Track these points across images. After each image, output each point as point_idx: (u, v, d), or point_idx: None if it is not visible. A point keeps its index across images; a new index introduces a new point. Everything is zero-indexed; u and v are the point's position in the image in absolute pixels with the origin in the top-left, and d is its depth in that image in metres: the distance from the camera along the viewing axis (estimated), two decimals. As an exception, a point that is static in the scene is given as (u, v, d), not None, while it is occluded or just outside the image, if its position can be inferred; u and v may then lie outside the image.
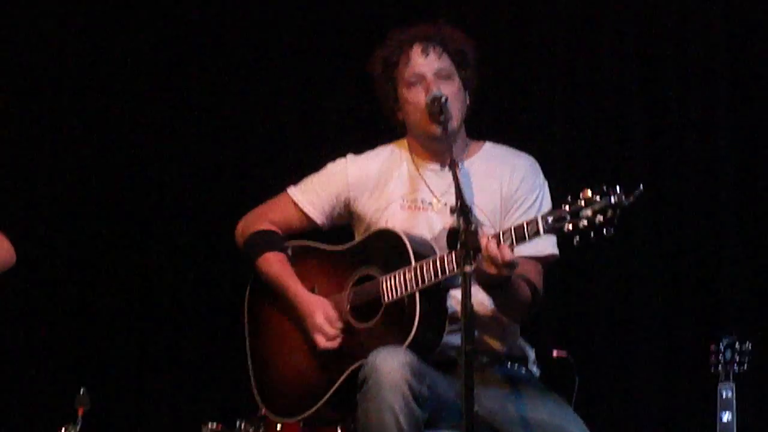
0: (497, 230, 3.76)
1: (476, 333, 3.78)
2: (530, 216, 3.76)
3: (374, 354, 3.68)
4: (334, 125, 5.59)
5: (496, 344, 4.01)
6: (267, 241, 4.18)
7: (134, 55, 5.77)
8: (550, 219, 3.54)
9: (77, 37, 5.74)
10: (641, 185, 3.39)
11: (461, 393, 3.39)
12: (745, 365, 4.44)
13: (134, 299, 5.70)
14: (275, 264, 4.13)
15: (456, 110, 4.01)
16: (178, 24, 5.76)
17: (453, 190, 3.64)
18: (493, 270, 3.62)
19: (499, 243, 3.61)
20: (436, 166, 4.08)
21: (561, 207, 3.53)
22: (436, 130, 3.95)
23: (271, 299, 4.15)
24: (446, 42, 4.06)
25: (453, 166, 3.71)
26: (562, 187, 3.79)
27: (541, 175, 4.09)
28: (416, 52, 4.05)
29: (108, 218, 5.72)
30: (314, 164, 4.26)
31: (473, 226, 3.51)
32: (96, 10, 5.75)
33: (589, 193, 3.48)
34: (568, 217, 3.50)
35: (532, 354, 4.11)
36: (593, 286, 5.26)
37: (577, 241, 3.49)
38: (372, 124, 4.52)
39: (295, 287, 4.07)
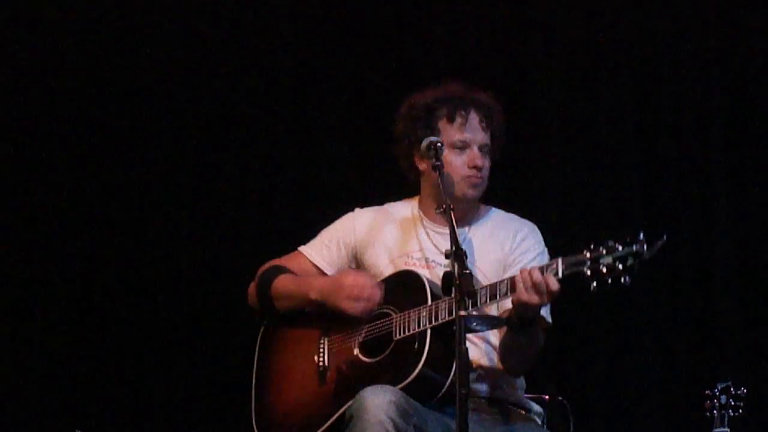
0: None
1: (480, 381, 3.92)
2: None
3: (362, 392, 3.71)
4: (340, 182, 5.60)
5: (497, 392, 4.04)
6: (278, 270, 4.20)
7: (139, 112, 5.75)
8: (569, 262, 3.61)
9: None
10: (664, 236, 3.44)
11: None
12: (740, 410, 4.46)
13: (133, 340, 5.65)
14: (290, 278, 4.15)
15: (484, 185, 4.11)
16: (182, 81, 5.75)
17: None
18: (536, 299, 3.66)
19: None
20: (445, 230, 4.05)
21: (582, 252, 3.58)
22: (474, 194, 4.06)
23: (283, 335, 4.17)
24: (493, 118, 4.12)
25: (448, 211, 3.76)
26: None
27: (542, 241, 4.14)
28: (474, 118, 4.09)
29: (113, 281, 5.68)
30: (323, 222, 4.32)
31: (468, 270, 3.56)
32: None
33: (610, 242, 3.53)
34: (588, 263, 3.55)
35: (534, 407, 4.14)
36: (590, 330, 5.29)
37: (594, 287, 3.54)
38: (380, 180, 4.61)
39: (317, 280, 4.09)
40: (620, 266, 3.49)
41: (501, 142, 4.15)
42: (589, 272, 3.55)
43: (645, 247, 3.48)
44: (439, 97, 4.12)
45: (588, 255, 3.57)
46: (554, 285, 3.65)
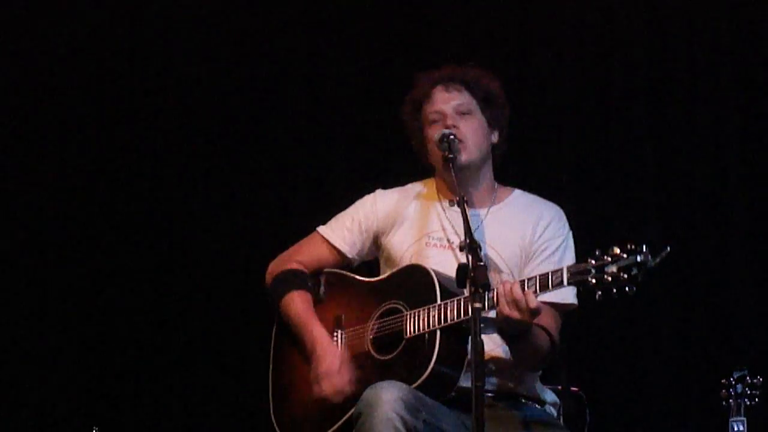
0: (515, 278, 3.83)
1: (494, 374, 3.92)
2: (552, 263, 3.83)
3: (369, 389, 3.71)
4: (361, 165, 5.60)
5: (511, 385, 4.03)
6: (293, 280, 4.20)
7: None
8: (574, 271, 3.59)
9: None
10: (668, 247, 3.42)
11: (472, 429, 3.41)
12: (757, 399, 4.47)
13: (153, 337, 5.69)
14: (299, 304, 4.15)
15: (472, 146, 4.05)
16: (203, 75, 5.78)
17: (478, 232, 3.66)
18: (516, 314, 3.65)
19: (523, 289, 3.65)
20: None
21: (587, 260, 3.56)
22: (445, 165, 4.00)
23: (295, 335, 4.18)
24: (469, 81, 4.11)
25: (462, 203, 3.76)
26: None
27: (567, 225, 4.11)
28: (439, 90, 4.11)
29: (135, 271, 5.72)
30: (343, 204, 4.30)
31: (482, 262, 3.54)
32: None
33: (616, 249, 3.51)
34: (593, 271, 3.54)
35: (549, 397, 4.13)
36: (605, 320, 5.27)
37: (599, 296, 3.53)
38: (400, 163, 4.56)
39: (318, 330, 4.07)
40: (625, 276, 3.48)
41: (495, 105, 4.12)
42: (594, 281, 3.53)
43: (649, 257, 3.46)
44: (413, 91, 4.16)
45: (593, 263, 3.55)
46: (533, 303, 3.64)
